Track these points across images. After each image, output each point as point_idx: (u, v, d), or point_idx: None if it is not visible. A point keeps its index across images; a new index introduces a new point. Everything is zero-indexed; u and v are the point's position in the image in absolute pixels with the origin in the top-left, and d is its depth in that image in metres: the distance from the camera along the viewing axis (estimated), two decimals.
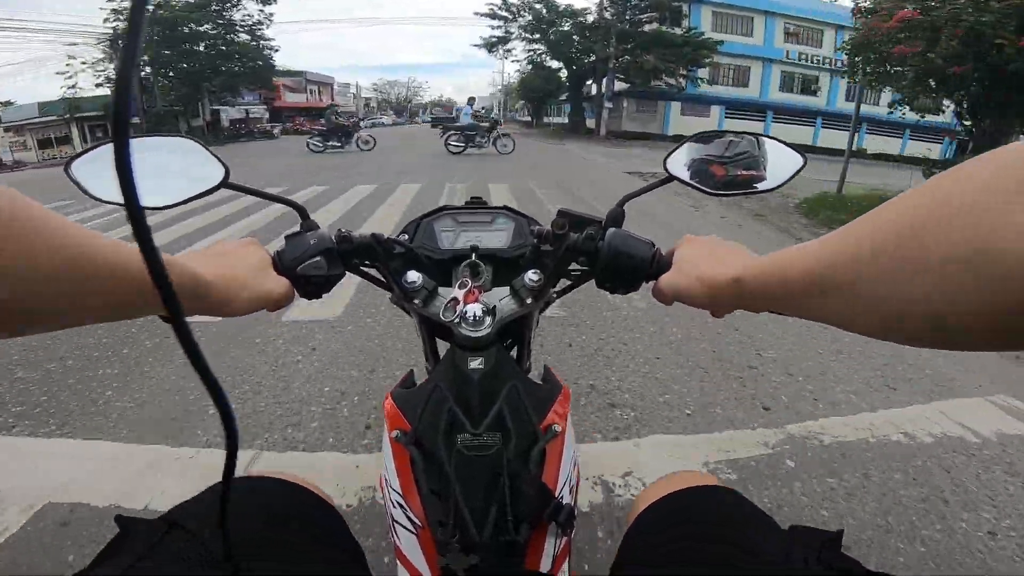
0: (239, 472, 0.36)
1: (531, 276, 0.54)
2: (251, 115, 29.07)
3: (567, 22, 21.70)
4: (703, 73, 21.75)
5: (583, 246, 0.51)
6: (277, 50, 23.85)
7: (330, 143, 13.32)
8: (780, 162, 0.56)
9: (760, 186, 0.56)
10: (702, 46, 20.17)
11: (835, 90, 25.80)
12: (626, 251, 0.50)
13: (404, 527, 0.48)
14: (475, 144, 12.38)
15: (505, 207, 0.69)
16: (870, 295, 0.25)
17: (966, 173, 0.22)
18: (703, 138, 0.58)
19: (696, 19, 22.06)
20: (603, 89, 22.12)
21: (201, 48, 21.01)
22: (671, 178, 0.57)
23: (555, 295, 0.61)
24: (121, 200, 0.33)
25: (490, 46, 25.29)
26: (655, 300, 0.49)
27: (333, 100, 51.17)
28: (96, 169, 0.47)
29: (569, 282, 0.59)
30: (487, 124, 12.61)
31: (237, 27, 22.08)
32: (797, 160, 0.55)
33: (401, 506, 0.49)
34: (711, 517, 0.51)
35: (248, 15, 22.10)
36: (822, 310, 0.30)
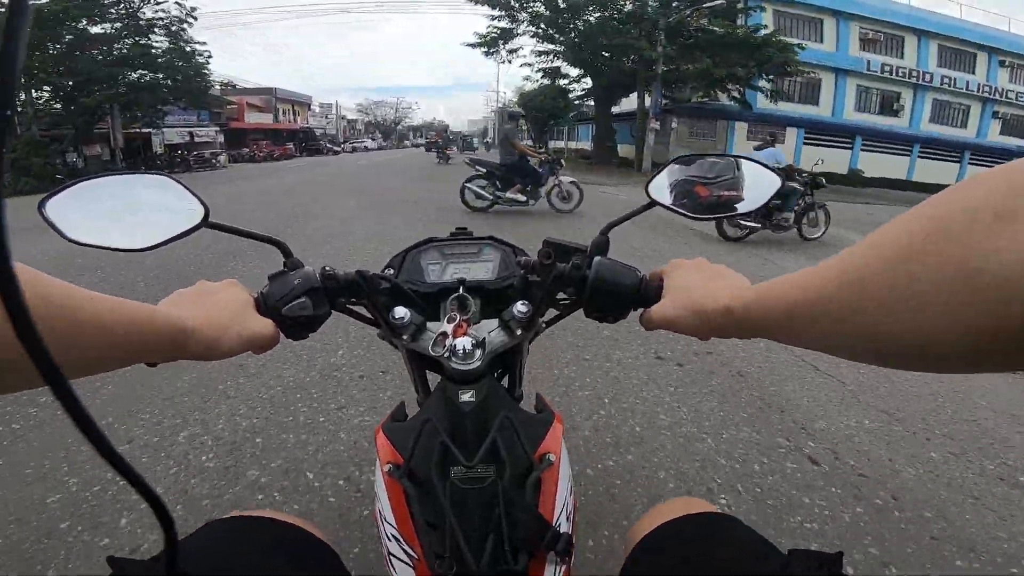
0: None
1: (520, 308, 0.59)
2: (197, 139, 26.42)
3: (594, 12, 17.43)
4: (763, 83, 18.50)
5: (570, 275, 0.56)
6: (209, 57, 20.64)
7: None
8: (758, 184, 0.60)
9: (740, 208, 0.61)
10: (785, 48, 16.37)
11: (919, 111, 22.65)
12: (613, 279, 0.55)
13: (400, 560, 0.52)
14: (523, 194, 7.50)
15: (490, 237, 0.74)
16: (859, 322, 0.28)
17: (954, 197, 0.24)
18: (684, 161, 0.64)
19: (757, 18, 18.91)
20: (647, 104, 18.13)
21: (98, 54, 17.54)
22: (653, 203, 0.62)
23: (544, 325, 0.66)
24: (102, 242, 0.47)
25: (488, 44, 20.53)
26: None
27: (308, 122, 44.85)
28: (71, 209, 0.48)
29: (558, 311, 0.65)
30: (544, 155, 7.80)
31: (154, 27, 18.65)
32: (774, 181, 0.60)
33: (396, 539, 0.53)
34: (710, 546, 0.54)
35: (162, 10, 18.77)
36: (812, 338, 0.34)
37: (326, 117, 57.05)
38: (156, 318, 0.39)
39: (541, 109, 30.78)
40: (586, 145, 30.28)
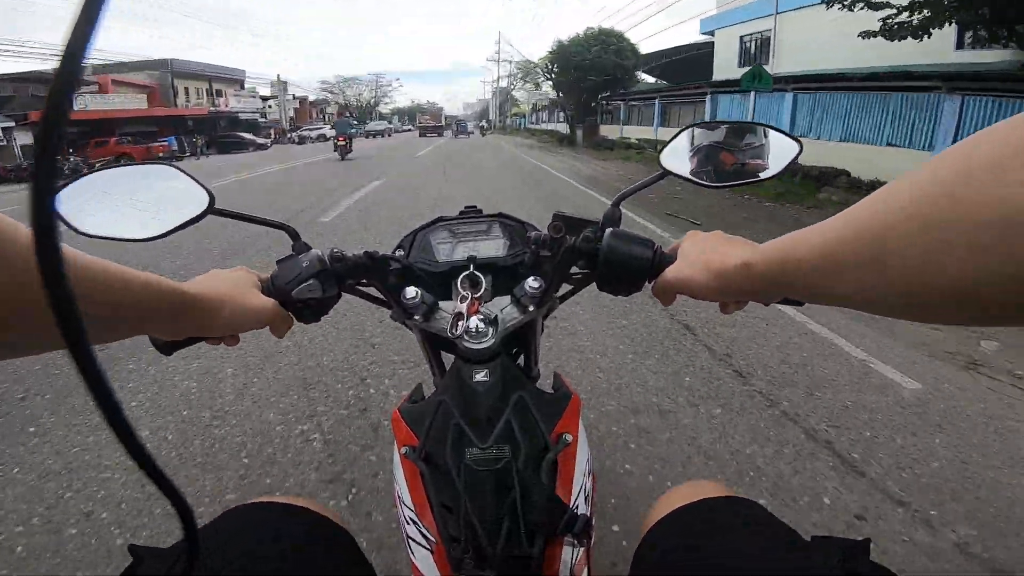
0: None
1: (531, 283, 0.58)
2: None
3: None
4: None
5: (582, 248, 0.55)
6: None
7: None
8: (778, 150, 0.59)
9: (762, 175, 0.60)
10: None
11: None
12: (627, 251, 0.54)
13: (418, 543, 0.52)
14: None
15: (500, 214, 0.73)
16: (895, 269, 0.26)
17: (982, 142, 0.23)
18: (705, 126, 0.62)
19: None
20: None
21: None
22: (666, 173, 0.61)
23: (558, 300, 0.65)
24: (112, 233, 0.49)
25: None
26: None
27: (228, 105, 30.50)
28: (80, 203, 0.49)
29: (571, 286, 0.64)
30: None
31: None
32: (793, 147, 0.58)
33: (414, 522, 0.53)
34: (730, 529, 0.54)
35: None
36: (840, 290, 0.31)
37: (263, 100, 39.27)
38: (158, 285, 0.40)
39: (594, 69, 17.12)
40: (650, 132, 17.39)
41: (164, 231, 0.52)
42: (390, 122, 64.55)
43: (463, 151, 19.66)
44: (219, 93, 32.93)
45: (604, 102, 20.62)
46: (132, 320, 0.39)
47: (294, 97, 46.55)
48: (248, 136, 29.24)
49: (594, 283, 0.59)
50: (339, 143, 15.26)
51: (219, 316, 0.48)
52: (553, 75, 21.19)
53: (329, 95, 59.47)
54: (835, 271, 0.30)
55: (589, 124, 20.23)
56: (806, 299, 0.37)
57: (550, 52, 20.47)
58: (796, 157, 0.57)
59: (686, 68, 20.38)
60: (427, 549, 0.51)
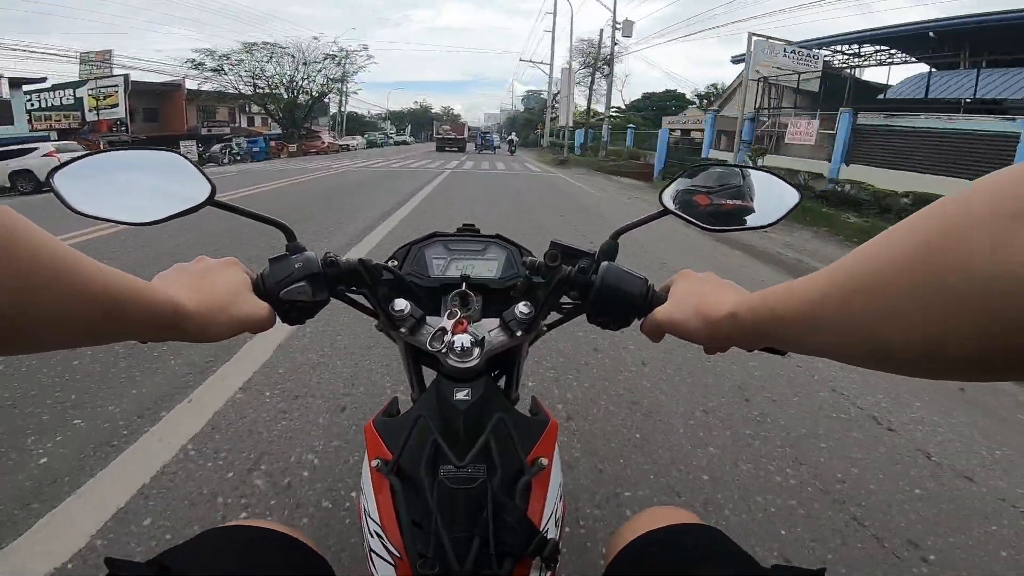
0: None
1: (522, 308, 0.58)
2: None
3: None
4: None
5: (576, 279, 0.56)
6: None
7: None
8: (773, 197, 0.59)
9: (753, 221, 0.60)
10: None
11: None
12: (620, 286, 0.55)
13: (382, 558, 0.52)
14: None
15: (497, 236, 0.74)
16: (867, 330, 0.28)
17: (963, 201, 0.24)
18: (692, 171, 0.63)
19: None
20: None
21: None
22: (666, 212, 0.61)
23: (545, 328, 0.66)
24: (107, 215, 0.48)
25: None
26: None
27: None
28: (79, 181, 0.49)
29: (560, 315, 0.65)
30: None
31: None
32: (792, 195, 0.59)
33: (379, 536, 0.52)
34: (692, 557, 0.55)
35: None
36: (819, 345, 0.33)
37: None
38: (152, 296, 0.39)
39: None
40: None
41: (160, 218, 0.52)
42: (388, 135, 50.23)
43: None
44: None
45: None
46: (118, 330, 0.37)
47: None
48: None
49: (584, 314, 0.59)
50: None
51: (215, 326, 0.47)
52: None
53: (211, 74, 30.35)
54: (814, 327, 0.32)
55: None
56: (788, 349, 0.40)
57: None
58: (795, 206, 0.58)
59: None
60: (390, 564, 0.51)
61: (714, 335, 0.47)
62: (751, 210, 0.59)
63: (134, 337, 0.39)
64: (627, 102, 46.02)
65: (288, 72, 33.16)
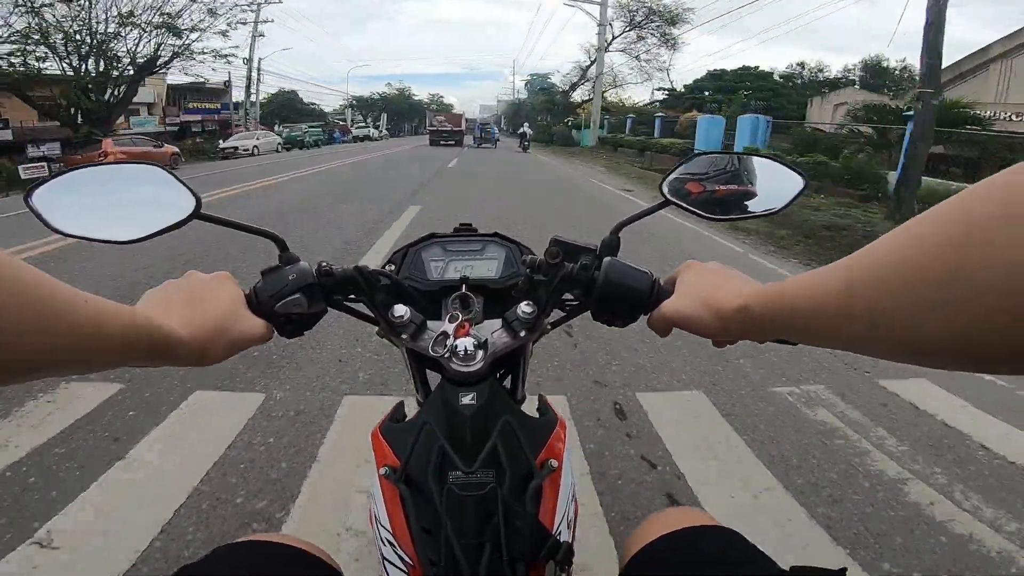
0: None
1: (524, 308, 0.57)
2: None
3: None
4: None
5: (578, 276, 0.55)
6: None
7: None
8: (776, 182, 0.57)
9: (756, 207, 0.58)
10: None
11: None
12: (624, 282, 0.54)
13: (395, 565, 0.52)
14: None
15: (496, 234, 0.72)
16: (892, 319, 0.27)
17: (992, 193, 0.23)
18: (689, 159, 0.61)
19: None
20: None
21: None
22: (668, 202, 0.60)
23: (549, 326, 0.64)
24: (89, 234, 0.46)
25: None
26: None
27: None
28: (59, 199, 0.48)
29: (564, 313, 0.64)
30: None
31: None
32: (797, 181, 0.57)
33: (391, 544, 0.52)
34: (710, 559, 0.54)
35: None
36: (836, 339, 0.33)
37: None
38: (138, 322, 0.37)
39: None
40: None
41: (145, 235, 0.50)
42: (326, 130, 34.63)
43: None
44: None
45: None
46: (107, 359, 0.35)
47: None
48: None
49: (588, 312, 0.58)
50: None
51: (212, 350, 0.46)
52: None
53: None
54: (828, 321, 0.32)
55: None
56: (801, 342, 0.39)
57: None
58: (801, 192, 0.57)
59: None
60: (403, 572, 0.51)
61: (726, 328, 0.45)
62: (752, 195, 0.58)
63: (125, 364, 0.38)
64: (674, 86, 33.66)
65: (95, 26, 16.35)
